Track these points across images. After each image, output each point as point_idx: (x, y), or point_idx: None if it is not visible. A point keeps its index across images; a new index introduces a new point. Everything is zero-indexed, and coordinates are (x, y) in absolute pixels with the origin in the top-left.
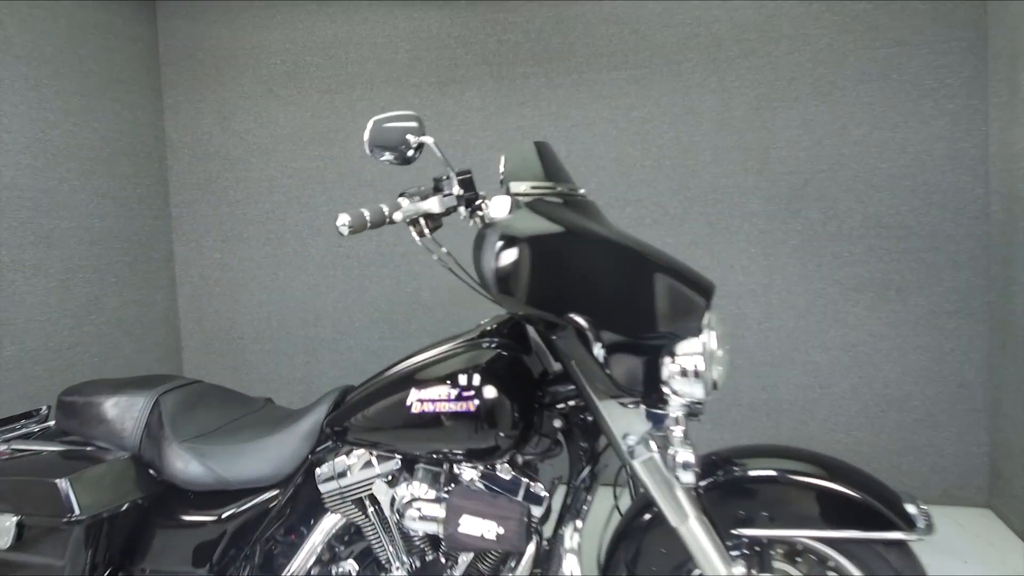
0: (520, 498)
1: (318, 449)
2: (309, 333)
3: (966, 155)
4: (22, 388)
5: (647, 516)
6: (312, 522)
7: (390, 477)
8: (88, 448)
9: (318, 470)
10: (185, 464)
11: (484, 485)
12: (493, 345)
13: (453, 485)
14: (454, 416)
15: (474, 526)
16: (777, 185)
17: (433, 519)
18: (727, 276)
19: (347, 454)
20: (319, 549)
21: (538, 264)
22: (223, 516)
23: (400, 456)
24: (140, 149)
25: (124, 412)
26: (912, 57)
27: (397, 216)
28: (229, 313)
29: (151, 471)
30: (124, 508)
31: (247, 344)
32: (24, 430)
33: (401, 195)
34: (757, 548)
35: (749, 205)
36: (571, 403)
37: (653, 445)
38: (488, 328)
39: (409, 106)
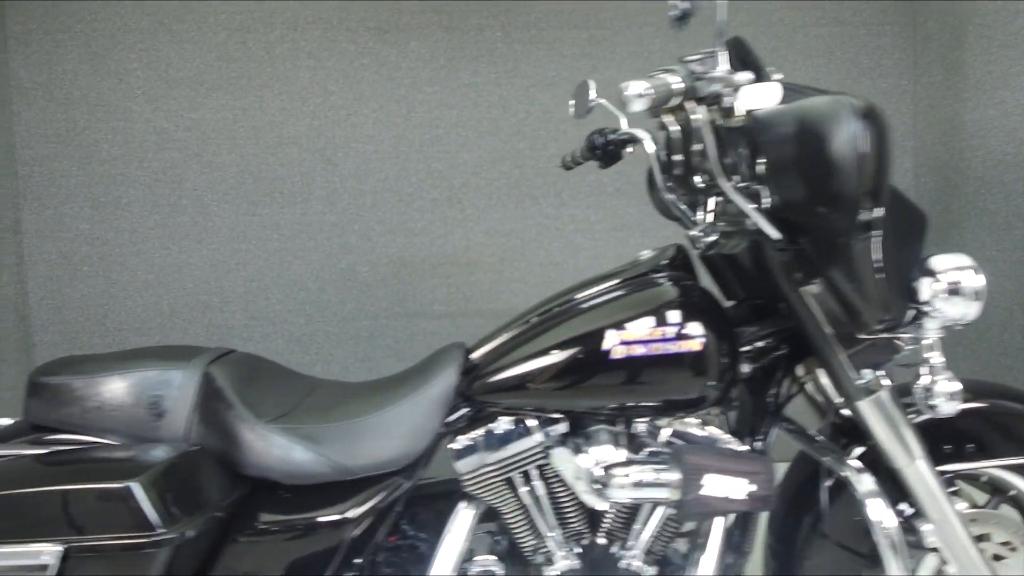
0: None
1: (449, 420)
2: (213, 320)
3: (896, 131)
4: None
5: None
6: (435, 515)
7: (559, 444)
8: (103, 442)
9: (453, 445)
10: (285, 451)
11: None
12: (681, 281)
13: (670, 443)
14: (665, 360)
15: (721, 486)
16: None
17: (656, 484)
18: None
19: (490, 422)
20: (461, 548)
21: (885, 154)
22: (343, 516)
23: (567, 419)
24: None
25: (155, 390)
26: (852, 37)
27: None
28: (101, 299)
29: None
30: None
31: (127, 336)
32: None
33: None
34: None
35: None
36: (758, 345)
37: (886, 380)
38: (659, 263)
39: (343, 53)
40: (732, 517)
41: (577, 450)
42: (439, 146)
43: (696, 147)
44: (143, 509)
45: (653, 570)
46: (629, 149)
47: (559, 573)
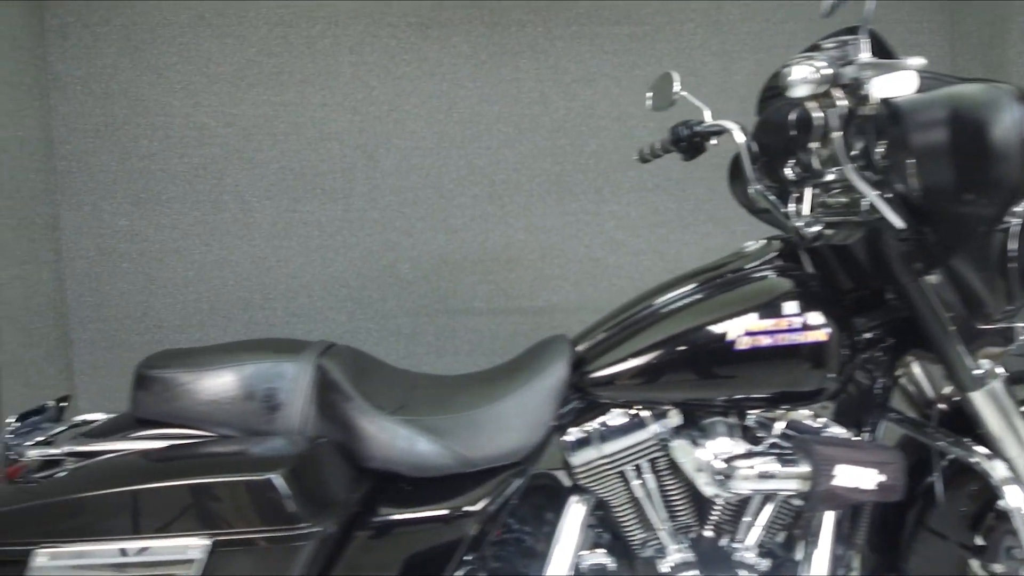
0: None
1: (562, 411)
2: (254, 317)
3: None
4: None
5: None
6: (533, 509)
7: (674, 437)
8: (219, 436)
9: (566, 438)
10: (409, 443)
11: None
12: (797, 272)
13: (787, 435)
14: (790, 351)
15: (852, 476)
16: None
17: (785, 476)
18: (728, 241)
19: (600, 415)
20: (577, 541)
21: None
22: (466, 509)
23: (680, 411)
24: (20, 79)
25: (268, 383)
26: (889, 35)
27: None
28: (140, 296)
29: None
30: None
31: (167, 334)
32: (54, 430)
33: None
34: None
35: None
36: (866, 336)
37: (1000, 370)
38: (769, 254)
39: (385, 48)
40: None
41: (694, 443)
42: (480, 142)
43: (806, 136)
44: (286, 502)
45: (766, 562)
46: (713, 141)
47: (673, 565)
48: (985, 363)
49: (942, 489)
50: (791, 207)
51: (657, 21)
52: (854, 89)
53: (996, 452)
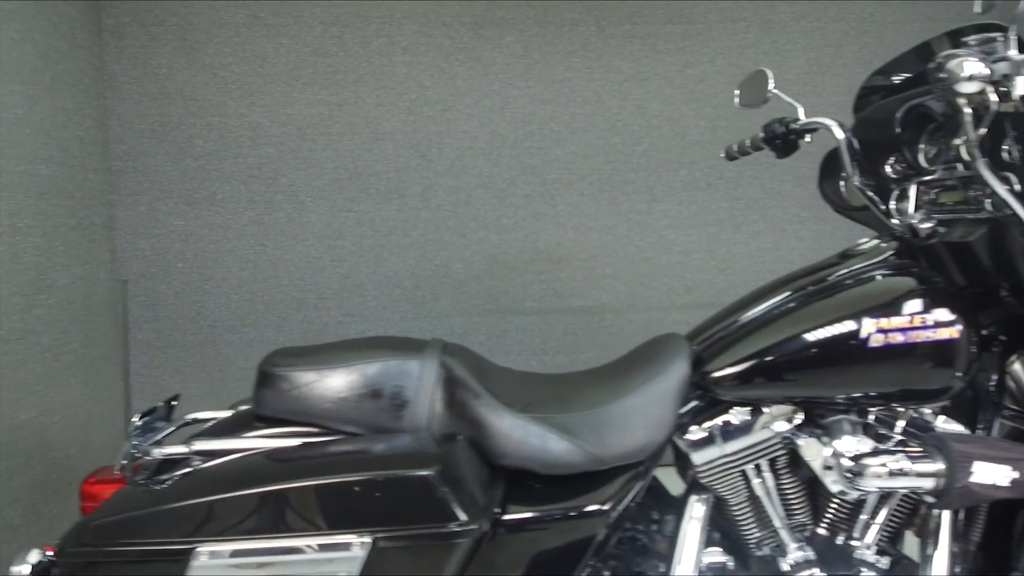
0: None
1: (683, 410)
2: (308, 317)
3: None
4: None
5: None
6: (640, 508)
7: (797, 435)
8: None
9: (689, 436)
10: (542, 440)
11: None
12: (920, 269)
13: (911, 433)
14: (921, 348)
15: (988, 473)
16: (826, 151)
17: (917, 473)
18: (779, 241)
19: (721, 414)
20: (700, 539)
21: None
22: (598, 508)
23: (802, 409)
24: (79, 79)
25: (394, 381)
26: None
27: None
28: (195, 295)
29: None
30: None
31: (221, 334)
32: (167, 429)
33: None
34: None
35: (800, 169)
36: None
37: None
38: (887, 252)
39: (439, 48)
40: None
41: (820, 441)
42: (532, 141)
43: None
44: (444, 498)
45: (886, 560)
46: (807, 139)
47: (794, 563)
48: None
49: None
50: (892, 204)
51: (709, 20)
52: (999, 86)
53: None
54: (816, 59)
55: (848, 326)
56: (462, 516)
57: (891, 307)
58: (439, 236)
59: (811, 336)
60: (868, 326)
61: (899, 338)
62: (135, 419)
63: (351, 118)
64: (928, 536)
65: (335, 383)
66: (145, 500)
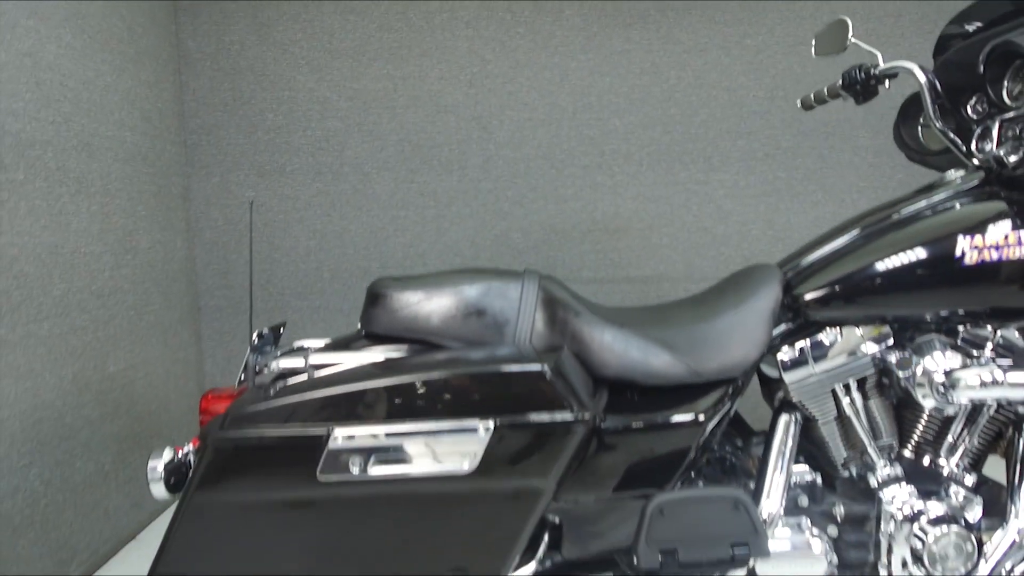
0: None
1: (773, 334)
2: None
3: None
4: (69, 341)
5: None
6: (731, 436)
7: (887, 353)
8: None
9: (781, 356)
10: (644, 352)
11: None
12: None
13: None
14: (1015, 265)
15: None
16: (885, 120)
17: (1011, 384)
18: (838, 211)
19: (814, 334)
20: (790, 452)
21: None
22: (694, 418)
23: (892, 330)
24: (158, 54)
25: (497, 299)
26: None
27: None
28: (264, 264)
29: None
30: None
31: (289, 301)
32: (276, 353)
33: None
34: None
35: (859, 139)
36: None
37: None
38: (974, 181)
39: (500, 22)
40: None
41: (912, 358)
42: (591, 113)
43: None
44: (559, 389)
45: (972, 478)
46: (887, 84)
47: (882, 479)
48: None
49: None
50: (973, 145)
51: None
52: None
53: None
54: (875, 29)
55: (941, 245)
56: (574, 407)
57: (984, 227)
58: (499, 206)
59: (902, 256)
60: (962, 243)
61: (993, 255)
62: (257, 332)
63: (415, 92)
64: (1014, 458)
65: (441, 302)
66: (279, 393)
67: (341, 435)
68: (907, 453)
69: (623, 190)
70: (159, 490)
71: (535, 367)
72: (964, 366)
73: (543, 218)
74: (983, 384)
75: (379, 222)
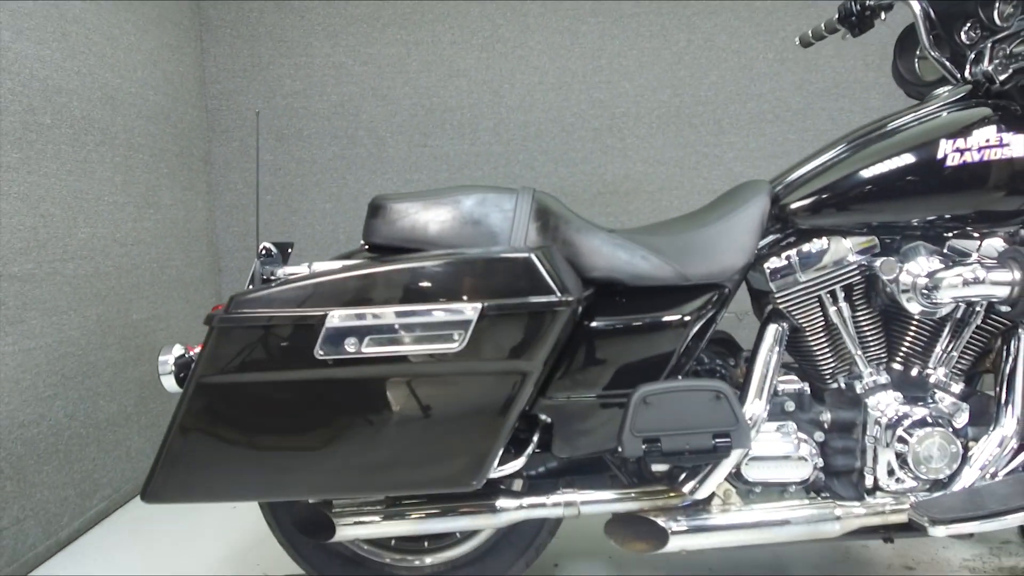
0: None
1: (762, 244)
2: None
3: None
4: (93, 284)
5: None
6: (723, 356)
7: (874, 260)
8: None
9: (767, 264)
10: (631, 254)
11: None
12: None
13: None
14: (999, 166)
15: None
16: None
17: (991, 282)
18: None
19: (806, 243)
20: (775, 358)
21: None
22: (680, 318)
23: (878, 237)
24: (179, 19)
25: (492, 210)
26: None
27: None
28: (282, 226)
29: None
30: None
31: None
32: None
33: None
34: None
35: (869, 101)
36: None
37: None
38: (961, 92)
39: None
40: None
41: (897, 263)
42: (601, 76)
43: None
44: (544, 274)
45: (959, 386)
46: (883, 16)
47: (868, 386)
48: None
49: None
50: (967, 70)
51: None
52: None
53: None
54: None
55: (925, 149)
56: (557, 291)
57: (966, 130)
58: (510, 170)
59: (887, 162)
60: (945, 147)
61: (975, 157)
62: (263, 245)
63: (428, 56)
64: (1001, 368)
65: (439, 212)
66: (280, 284)
67: (337, 316)
68: (896, 363)
69: (633, 153)
70: (170, 383)
71: (522, 254)
72: (947, 266)
73: (554, 181)
74: (966, 283)
75: (393, 185)
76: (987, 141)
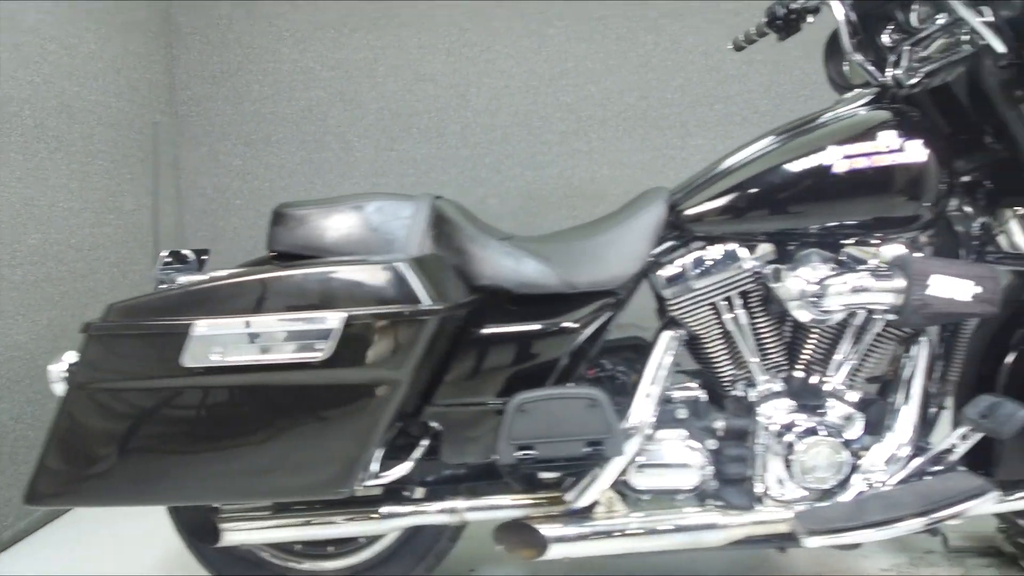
0: None
1: (656, 252)
2: None
3: None
4: (44, 289)
5: None
6: (628, 357)
7: (771, 269)
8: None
9: (661, 272)
10: (516, 261)
11: None
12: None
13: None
14: (886, 173)
15: (947, 287)
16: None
17: (880, 290)
18: None
19: (700, 250)
20: (667, 365)
21: None
22: (565, 326)
23: (774, 244)
24: (148, 27)
25: (390, 217)
26: None
27: None
28: (252, 231)
29: None
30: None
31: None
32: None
33: None
34: None
35: None
36: (963, 180)
37: None
38: (867, 97)
39: None
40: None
41: (789, 270)
42: (567, 79)
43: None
44: (410, 283)
45: (856, 395)
46: (810, 19)
47: (761, 394)
48: None
49: None
50: (888, 72)
51: None
52: None
53: None
54: None
55: (815, 156)
56: (426, 300)
57: (858, 136)
58: (476, 173)
59: (778, 169)
60: (833, 153)
61: (863, 163)
62: (162, 254)
63: (394, 61)
64: (901, 379)
65: (338, 219)
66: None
67: (203, 325)
68: (798, 373)
69: (599, 156)
70: (61, 388)
71: (389, 263)
72: (836, 273)
73: (520, 184)
74: (854, 290)
75: (360, 189)
76: (879, 147)
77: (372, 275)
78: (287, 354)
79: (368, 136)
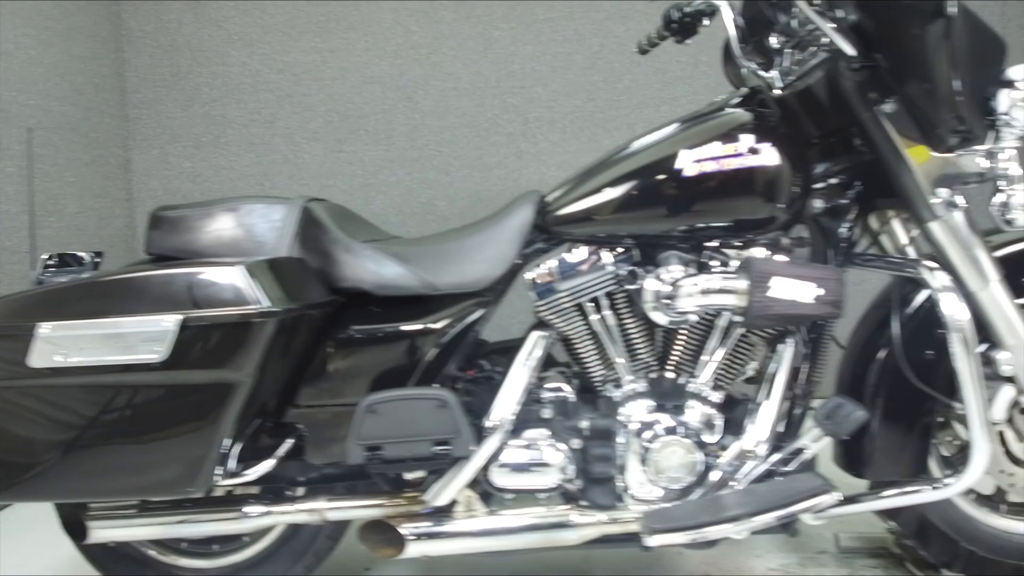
0: None
1: (525, 253)
2: None
3: None
4: None
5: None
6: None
7: (631, 271)
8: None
9: (527, 274)
10: (377, 264)
11: None
12: (756, 109)
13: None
14: (737, 176)
15: (789, 289)
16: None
17: (725, 291)
18: None
19: (565, 253)
20: (533, 364)
21: None
22: (427, 327)
23: (637, 247)
24: (96, 31)
25: (260, 220)
26: None
27: None
28: None
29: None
30: (307, 316)
31: None
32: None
33: None
34: None
35: None
36: (831, 181)
37: (961, 199)
38: (733, 100)
39: None
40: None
41: (647, 273)
42: (514, 81)
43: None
44: (246, 287)
45: (719, 396)
46: (706, 22)
47: (624, 394)
48: (943, 192)
49: (899, 325)
50: (773, 72)
51: None
52: None
53: (962, 286)
54: None
55: (669, 160)
56: (264, 302)
57: (712, 138)
58: (424, 175)
59: (635, 173)
60: (683, 157)
61: (712, 167)
62: (43, 257)
63: (342, 63)
64: (764, 378)
65: (211, 222)
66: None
67: (46, 327)
68: (668, 373)
69: (547, 157)
70: None
71: (226, 266)
72: (688, 275)
73: (468, 186)
74: (703, 292)
75: (308, 191)
76: (730, 150)
77: (210, 278)
78: (126, 355)
79: (316, 138)
